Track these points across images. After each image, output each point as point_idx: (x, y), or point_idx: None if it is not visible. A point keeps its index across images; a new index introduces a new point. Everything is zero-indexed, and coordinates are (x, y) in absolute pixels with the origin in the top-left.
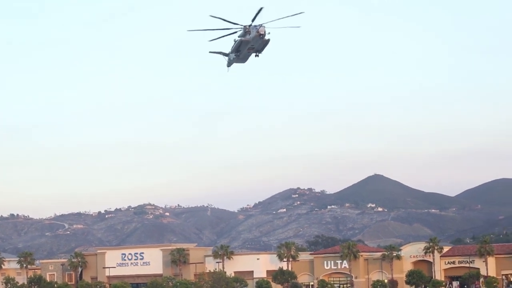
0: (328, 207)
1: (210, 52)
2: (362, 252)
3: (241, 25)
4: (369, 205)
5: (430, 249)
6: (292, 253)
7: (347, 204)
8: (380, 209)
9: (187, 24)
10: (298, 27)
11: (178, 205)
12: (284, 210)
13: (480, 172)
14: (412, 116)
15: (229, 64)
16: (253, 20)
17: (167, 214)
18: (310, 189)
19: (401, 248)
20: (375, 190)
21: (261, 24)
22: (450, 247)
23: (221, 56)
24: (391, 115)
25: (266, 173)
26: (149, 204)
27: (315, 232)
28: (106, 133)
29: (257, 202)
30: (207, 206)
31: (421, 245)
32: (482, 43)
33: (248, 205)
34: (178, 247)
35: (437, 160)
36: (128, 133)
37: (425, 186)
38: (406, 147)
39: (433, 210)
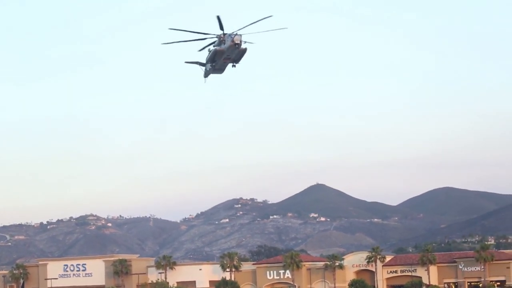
0: (271, 217)
1: (186, 62)
2: (305, 261)
3: (215, 34)
4: (312, 214)
5: (373, 259)
6: (235, 263)
7: (289, 214)
8: (322, 218)
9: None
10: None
11: (120, 215)
12: (227, 220)
13: (421, 182)
14: (354, 126)
15: (206, 75)
16: (221, 29)
17: (109, 225)
18: (252, 199)
19: (343, 257)
20: (318, 200)
21: (236, 33)
22: (392, 256)
23: (197, 66)
24: (333, 125)
25: (209, 183)
26: (91, 215)
27: (258, 242)
28: (47, 144)
29: (199, 213)
30: (149, 217)
31: (364, 255)
32: (429, 54)
33: (190, 215)
34: (121, 258)
35: (379, 169)
36: (70, 144)
37: (367, 195)
38: (348, 156)
39: (375, 220)
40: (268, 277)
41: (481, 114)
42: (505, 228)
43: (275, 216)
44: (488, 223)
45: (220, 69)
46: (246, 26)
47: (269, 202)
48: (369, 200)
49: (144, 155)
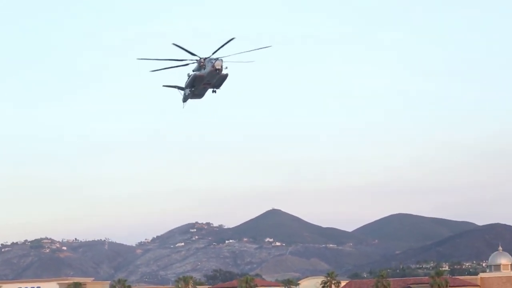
0: (226, 241)
1: (164, 86)
2: (260, 286)
3: (194, 59)
4: (267, 239)
5: (328, 284)
6: (190, 287)
7: (245, 239)
8: (278, 243)
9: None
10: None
11: (76, 239)
12: (182, 244)
13: (377, 208)
14: (310, 151)
15: (184, 100)
16: (192, 54)
17: (64, 248)
18: (208, 224)
19: (299, 282)
20: (273, 225)
21: (217, 58)
22: (347, 282)
23: (176, 90)
24: (289, 151)
25: (165, 207)
26: (46, 238)
27: (213, 267)
28: (1, 167)
29: (155, 236)
30: (104, 240)
31: (319, 280)
32: (385, 82)
33: (146, 239)
34: (75, 281)
35: (335, 195)
36: (23, 167)
37: (323, 221)
38: (304, 182)
39: (330, 245)
40: None
41: (437, 142)
42: (460, 255)
43: (230, 241)
44: (443, 250)
45: (199, 95)
46: (217, 51)
47: (224, 227)
48: (324, 225)
49: (100, 178)
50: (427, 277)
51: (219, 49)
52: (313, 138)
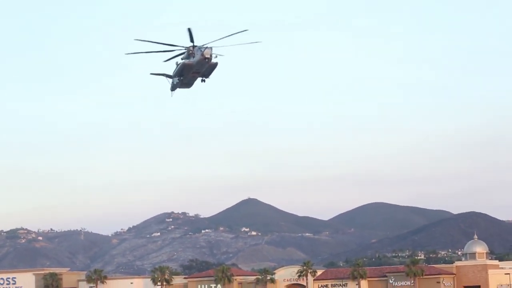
0: (202, 231)
1: (151, 74)
2: (236, 276)
3: (183, 46)
4: (243, 229)
5: (304, 273)
6: (166, 277)
7: (221, 228)
8: (254, 233)
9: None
10: (258, 41)
11: (51, 229)
12: (158, 234)
13: (353, 197)
14: (286, 141)
15: (172, 88)
16: (191, 41)
17: (40, 238)
18: (184, 213)
19: (275, 271)
20: (249, 214)
21: (207, 46)
22: (323, 271)
23: (164, 78)
24: (265, 140)
25: (140, 197)
26: (22, 228)
27: (189, 256)
28: None
29: (131, 226)
30: (80, 230)
31: (295, 269)
32: (361, 72)
33: (122, 229)
34: (51, 271)
35: (310, 184)
36: None
37: (299, 210)
38: (280, 171)
39: (306, 234)
40: None
41: (413, 132)
42: (435, 243)
43: (206, 230)
44: (418, 238)
45: (188, 84)
46: (220, 39)
47: (200, 216)
48: (300, 214)
49: (76, 168)
50: (403, 266)
51: (226, 37)
52: (289, 128)
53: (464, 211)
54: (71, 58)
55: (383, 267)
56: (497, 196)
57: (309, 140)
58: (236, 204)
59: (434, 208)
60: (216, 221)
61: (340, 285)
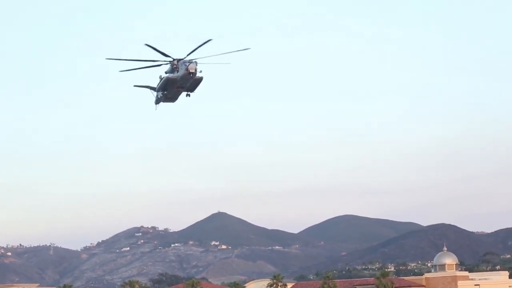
0: (172, 245)
1: (135, 86)
2: None
3: (167, 60)
4: (213, 242)
5: (274, 286)
6: None
7: (191, 242)
8: (224, 246)
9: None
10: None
11: (20, 244)
12: (128, 248)
13: (322, 209)
14: (256, 154)
15: (157, 102)
16: (165, 55)
17: (9, 253)
18: (153, 227)
19: (245, 285)
20: (219, 228)
21: (192, 60)
22: (293, 284)
23: (148, 90)
24: (235, 154)
25: (109, 211)
26: None
27: (159, 270)
28: None
29: (100, 241)
30: (49, 245)
31: (265, 282)
32: (328, 88)
33: (91, 244)
34: (20, 287)
35: (280, 197)
36: None
37: (269, 223)
38: (249, 185)
39: (276, 247)
40: None
41: (382, 144)
42: (405, 255)
43: (176, 244)
44: (388, 251)
45: (172, 98)
46: (192, 52)
47: (170, 230)
48: (270, 228)
49: (43, 182)
50: (373, 278)
51: (194, 50)
52: (259, 142)
53: (434, 223)
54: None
55: (353, 279)
56: (466, 207)
57: (278, 154)
58: (205, 218)
59: (404, 220)
60: (185, 235)
61: None
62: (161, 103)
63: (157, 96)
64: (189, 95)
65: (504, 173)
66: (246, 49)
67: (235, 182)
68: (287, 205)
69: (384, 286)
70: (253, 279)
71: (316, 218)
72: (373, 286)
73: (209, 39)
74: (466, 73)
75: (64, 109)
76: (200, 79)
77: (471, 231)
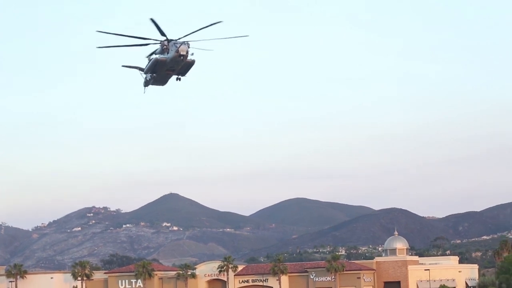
0: (124, 226)
1: (123, 66)
2: (157, 271)
3: (158, 40)
4: (164, 224)
5: (225, 268)
6: (87, 272)
7: (142, 223)
8: (175, 228)
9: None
10: (246, 35)
11: None
12: (79, 228)
13: (274, 192)
14: (208, 137)
15: (145, 84)
16: (162, 35)
17: None
18: (105, 208)
19: (196, 267)
20: (171, 209)
21: (184, 42)
22: (244, 266)
23: (137, 71)
24: (187, 135)
25: (61, 191)
26: None
27: (110, 251)
28: None
29: (51, 221)
30: (0, 225)
31: (216, 264)
32: (284, 72)
33: (42, 223)
34: None
35: (232, 179)
36: None
37: (220, 205)
38: (201, 166)
39: (228, 229)
40: (120, 286)
41: (334, 126)
42: (356, 239)
43: (127, 225)
44: (339, 234)
45: (161, 81)
46: (191, 33)
47: (122, 211)
48: (221, 210)
49: None
50: (323, 261)
51: (199, 29)
52: (211, 124)
53: (385, 207)
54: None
55: (304, 262)
56: (417, 192)
57: (230, 136)
58: (157, 199)
59: (355, 204)
60: (137, 216)
61: (261, 280)
62: (150, 86)
63: (145, 78)
64: (179, 79)
65: (455, 159)
66: (245, 36)
67: (187, 164)
68: (239, 188)
69: (335, 269)
70: (204, 261)
71: (267, 201)
72: (324, 269)
73: (219, 21)
74: (422, 58)
75: (17, 89)
76: (192, 62)
77: (422, 216)
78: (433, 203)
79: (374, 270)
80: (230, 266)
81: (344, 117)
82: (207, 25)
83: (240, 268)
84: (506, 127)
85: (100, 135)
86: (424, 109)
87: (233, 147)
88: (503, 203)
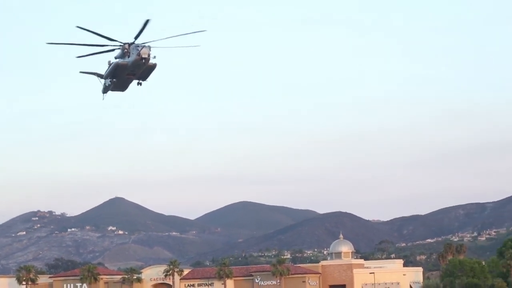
0: (69, 230)
1: (81, 72)
2: (103, 275)
3: (119, 43)
4: (110, 228)
5: (170, 272)
6: (32, 276)
7: (87, 227)
8: (120, 232)
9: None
10: (198, 45)
11: None
12: (24, 233)
13: (220, 196)
14: (154, 140)
15: (104, 90)
16: (136, 38)
17: None
18: (50, 212)
19: (141, 271)
20: (116, 213)
21: (145, 44)
22: (190, 270)
23: (95, 77)
24: (131, 139)
25: (5, 195)
26: None
27: (55, 255)
28: None
29: None
30: None
31: (162, 268)
32: (237, 77)
33: None
34: None
35: (177, 183)
36: None
37: (166, 209)
38: (147, 170)
39: (173, 233)
40: None
41: (278, 131)
42: (301, 243)
43: (73, 229)
44: (285, 238)
45: (122, 87)
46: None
47: (67, 215)
48: (167, 213)
49: None
50: (269, 265)
51: (140, 33)
52: (156, 127)
53: (330, 211)
54: None
55: (249, 266)
56: (362, 195)
57: (175, 139)
58: (102, 203)
59: (300, 208)
60: (82, 220)
61: (207, 284)
62: (110, 92)
63: (104, 84)
64: (140, 83)
65: (400, 162)
66: (202, 31)
67: (132, 167)
68: (185, 192)
69: (280, 273)
70: (150, 265)
71: (213, 205)
72: (269, 273)
73: (147, 19)
74: (362, 63)
75: None
76: (153, 66)
77: (367, 219)
78: (378, 207)
79: (319, 273)
80: (175, 270)
81: (289, 121)
82: (191, 32)
83: (186, 272)
84: (449, 133)
85: (46, 138)
86: (366, 114)
87: (178, 151)
88: (447, 206)
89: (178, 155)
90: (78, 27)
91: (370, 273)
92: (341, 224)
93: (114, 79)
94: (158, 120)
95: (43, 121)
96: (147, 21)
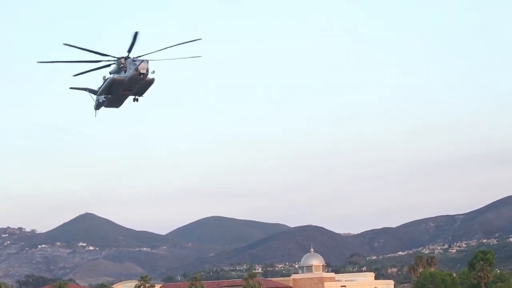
0: (39, 246)
1: (71, 88)
2: None
3: (113, 57)
4: (80, 243)
5: (141, 287)
6: None
7: (58, 243)
8: (91, 247)
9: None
10: (199, 56)
11: None
12: None
13: (190, 211)
14: (122, 156)
15: (97, 107)
16: (129, 51)
17: None
18: (20, 229)
19: (112, 286)
20: (87, 229)
21: (143, 59)
22: (161, 285)
23: (86, 93)
24: (100, 155)
25: None
26: None
27: (25, 272)
28: None
29: None
30: None
31: (133, 284)
32: (219, 90)
33: None
34: None
35: (148, 198)
36: None
37: (136, 224)
38: (117, 185)
39: (144, 249)
40: None
41: (247, 145)
42: (272, 257)
43: (43, 246)
44: (256, 252)
45: (117, 103)
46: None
47: (37, 232)
48: (138, 229)
49: None
50: (240, 279)
51: (132, 47)
52: (126, 142)
53: (301, 225)
54: None
55: (220, 281)
56: (332, 209)
57: (145, 155)
58: (73, 219)
59: (271, 222)
60: (53, 236)
61: None
62: (103, 108)
63: (97, 100)
64: (137, 99)
65: (370, 176)
66: (198, 39)
67: (102, 184)
68: (155, 207)
69: (252, 287)
70: (121, 281)
71: (184, 220)
72: (241, 287)
73: (136, 31)
74: (332, 79)
75: None
76: (151, 81)
77: (337, 232)
78: (348, 220)
79: (290, 287)
80: (147, 286)
81: (259, 136)
82: (186, 41)
83: (157, 287)
84: (419, 146)
85: (14, 155)
86: (338, 128)
87: (148, 167)
88: (417, 219)
89: (148, 171)
90: (65, 44)
91: (342, 286)
92: (312, 237)
93: (109, 95)
94: (129, 137)
95: (11, 138)
96: (136, 34)
